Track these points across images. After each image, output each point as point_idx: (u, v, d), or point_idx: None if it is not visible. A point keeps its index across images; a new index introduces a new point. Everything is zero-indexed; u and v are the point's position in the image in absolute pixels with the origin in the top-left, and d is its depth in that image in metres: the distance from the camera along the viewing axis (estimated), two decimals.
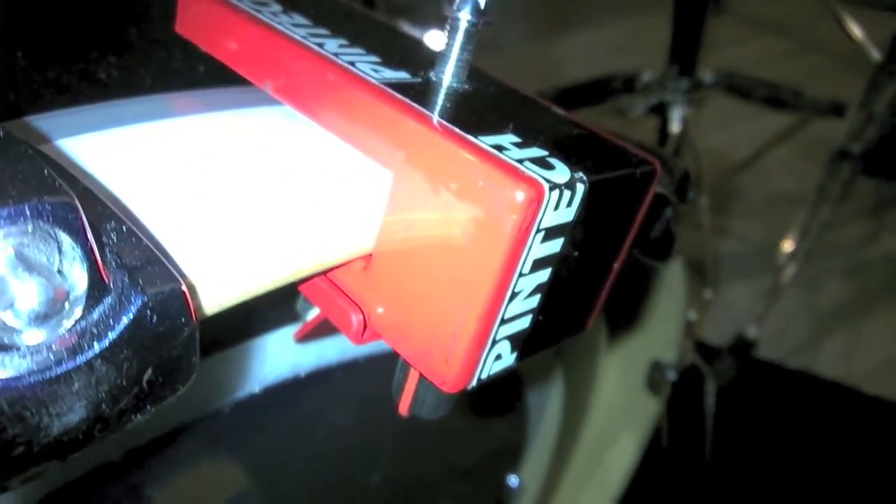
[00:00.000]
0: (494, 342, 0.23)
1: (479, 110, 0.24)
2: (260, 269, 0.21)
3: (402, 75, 0.25)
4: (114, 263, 0.17)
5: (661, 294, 0.66)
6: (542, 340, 0.26)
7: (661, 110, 1.17)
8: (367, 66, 0.25)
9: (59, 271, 0.16)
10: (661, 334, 0.68)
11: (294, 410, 0.43)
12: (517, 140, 0.23)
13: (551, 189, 0.21)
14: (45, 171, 0.16)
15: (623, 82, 1.22)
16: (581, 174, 0.22)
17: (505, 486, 0.65)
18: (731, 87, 1.31)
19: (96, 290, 0.17)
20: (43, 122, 0.23)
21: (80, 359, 0.16)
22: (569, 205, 0.22)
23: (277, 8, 0.28)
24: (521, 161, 0.21)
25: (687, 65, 1.16)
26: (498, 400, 0.58)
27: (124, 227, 0.18)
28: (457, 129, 0.22)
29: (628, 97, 1.20)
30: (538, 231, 0.21)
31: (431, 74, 0.26)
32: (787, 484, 1.09)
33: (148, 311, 0.17)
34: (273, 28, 0.26)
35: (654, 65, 1.20)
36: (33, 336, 0.16)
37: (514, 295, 0.22)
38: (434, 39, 0.31)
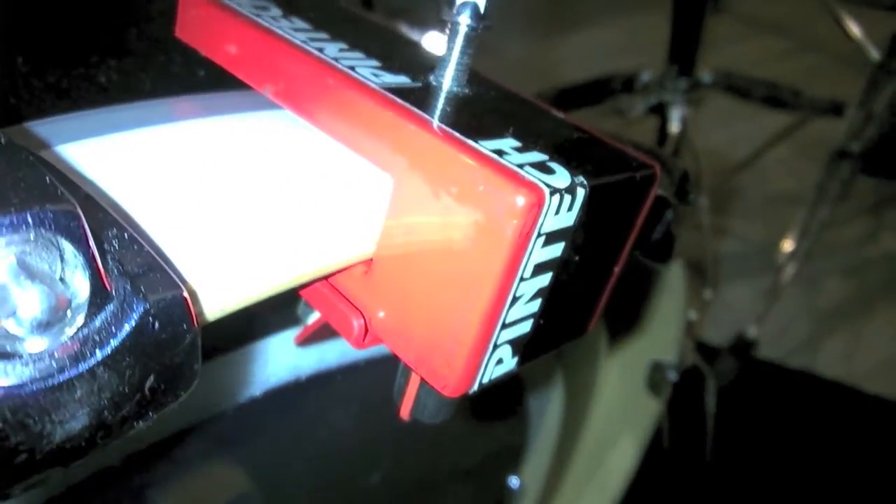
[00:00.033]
0: (496, 346, 0.23)
1: (479, 115, 0.24)
2: (261, 275, 0.21)
3: (402, 80, 0.25)
4: (116, 271, 0.17)
5: (661, 295, 0.66)
6: (543, 344, 0.26)
7: (660, 110, 1.17)
8: (367, 70, 0.25)
9: (62, 279, 0.16)
10: (661, 335, 0.69)
11: (295, 413, 0.43)
12: (517, 144, 0.23)
13: (552, 194, 0.21)
14: (47, 179, 0.16)
15: (622, 82, 1.22)
16: (581, 178, 0.22)
17: (506, 487, 0.65)
18: (731, 86, 1.32)
19: (98, 297, 0.17)
20: (43, 127, 0.23)
21: (83, 366, 0.16)
22: (569, 209, 0.22)
23: (277, 12, 0.28)
24: (521, 166, 0.21)
25: (686, 65, 1.16)
26: (498, 401, 0.58)
27: (126, 234, 0.18)
28: (457, 134, 0.22)
29: (627, 97, 1.20)
30: (539, 236, 0.21)
31: (431, 79, 0.26)
32: (787, 484, 1.09)
33: (150, 318, 0.17)
34: (273, 32, 0.26)
35: (654, 64, 1.20)
36: (36, 344, 0.16)
37: (515, 299, 0.22)
38: (433, 42, 0.31)
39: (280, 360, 0.39)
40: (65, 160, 0.22)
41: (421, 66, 0.27)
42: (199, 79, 0.30)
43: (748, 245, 1.56)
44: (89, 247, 0.16)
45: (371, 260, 0.25)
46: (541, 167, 0.22)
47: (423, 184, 0.22)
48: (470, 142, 0.22)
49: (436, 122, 0.23)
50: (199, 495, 0.42)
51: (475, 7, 0.24)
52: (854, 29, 1.25)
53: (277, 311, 0.36)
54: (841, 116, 1.30)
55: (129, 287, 0.17)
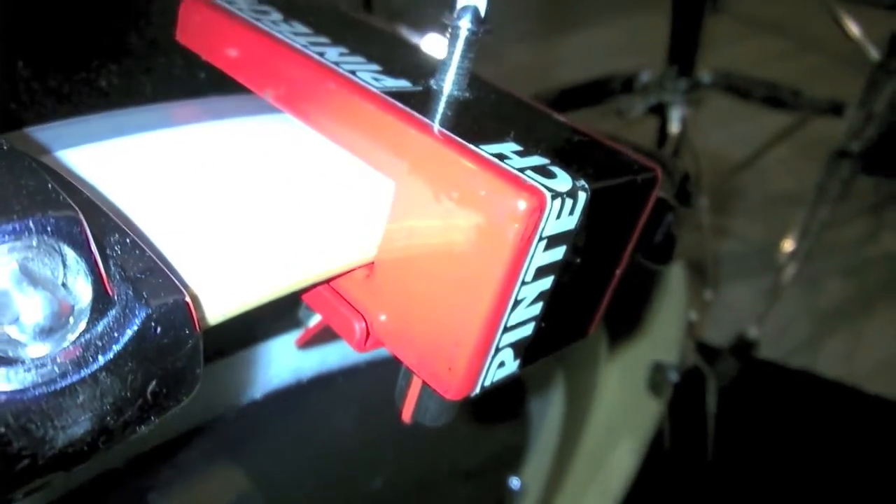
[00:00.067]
0: (498, 350, 0.23)
1: (480, 119, 0.24)
2: (263, 279, 0.22)
3: (402, 84, 0.25)
4: (118, 276, 0.17)
5: (662, 297, 0.66)
6: (544, 347, 0.26)
7: (660, 111, 1.17)
8: (368, 74, 0.25)
9: (64, 284, 0.16)
10: (662, 336, 0.69)
11: (296, 416, 0.43)
12: (518, 148, 0.23)
13: (553, 198, 0.21)
14: (49, 185, 0.16)
15: (622, 83, 1.22)
16: (583, 182, 0.22)
17: (507, 488, 0.65)
18: (730, 86, 1.32)
19: (101, 302, 0.17)
20: (44, 132, 0.23)
21: (85, 371, 0.16)
22: (571, 213, 0.22)
23: (278, 16, 0.28)
24: (522, 170, 0.21)
25: (686, 65, 1.16)
26: (499, 402, 0.58)
27: (128, 239, 0.18)
28: (458, 138, 0.22)
29: (627, 98, 1.20)
30: (540, 239, 0.21)
31: (432, 83, 0.26)
32: (788, 483, 1.09)
33: (152, 323, 0.17)
34: (274, 37, 0.26)
35: (654, 64, 1.20)
36: (38, 349, 0.16)
37: (516, 303, 0.22)
38: (433, 44, 0.31)
39: (281, 362, 0.39)
40: (66, 165, 0.22)
41: (422, 70, 0.27)
42: (199, 83, 0.30)
43: (748, 245, 1.56)
44: (91, 252, 0.16)
45: (373, 263, 0.25)
46: (542, 171, 0.22)
47: (424, 188, 0.22)
48: (471, 146, 0.22)
49: (437, 127, 0.23)
50: (200, 498, 0.42)
51: (476, 11, 0.24)
52: (853, 29, 1.25)
53: (279, 313, 0.36)
54: (841, 116, 1.30)
55: (131, 292, 0.17)
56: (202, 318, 0.20)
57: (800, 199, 1.34)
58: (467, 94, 0.26)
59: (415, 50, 0.30)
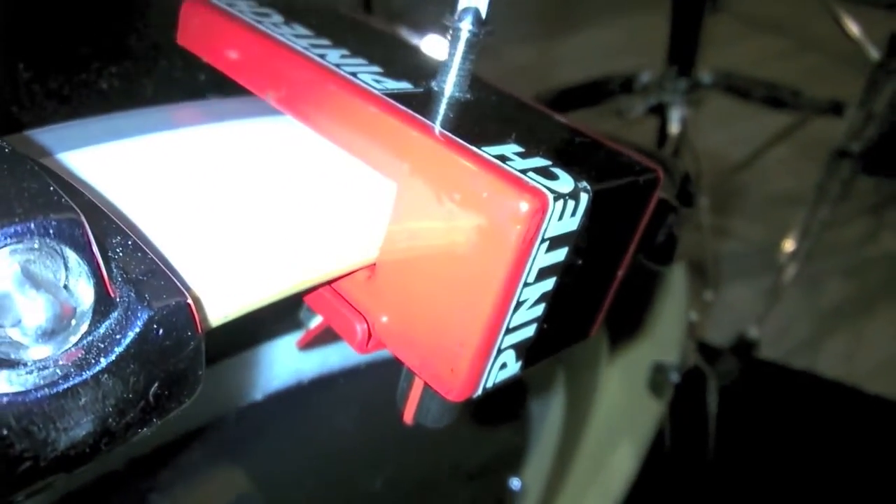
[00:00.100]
0: (500, 351, 0.23)
1: (481, 120, 0.24)
2: (265, 281, 0.21)
3: (404, 85, 0.25)
4: (120, 278, 0.17)
5: (663, 297, 0.66)
6: (546, 348, 0.26)
7: (660, 111, 1.17)
8: (369, 76, 0.25)
9: (66, 287, 0.16)
10: (663, 337, 0.69)
11: (297, 417, 0.43)
12: (520, 150, 0.23)
13: (555, 199, 0.21)
14: (50, 187, 0.16)
15: (621, 83, 1.22)
16: (585, 183, 0.22)
17: (507, 488, 0.65)
18: (730, 87, 1.32)
19: (103, 305, 0.17)
20: (46, 135, 0.23)
21: (87, 373, 0.16)
22: (573, 214, 0.22)
23: (279, 19, 0.28)
24: (524, 171, 0.21)
25: (685, 65, 1.17)
26: (500, 402, 0.58)
27: (129, 241, 0.18)
28: (460, 140, 0.22)
29: (627, 98, 1.20)
30: (543, 241, 0.21)
31: (433, 84, 0.26)
32: (789, 484, 1.09)
33: (154, 325, 0.17)
34: (275, 39, 0.26)
35: (654, 65, 1.20)
36: (40, 351, 0.16)
37: (519, 304, 0.22)
38: (433, 45, 0.31)
39: (282, 363, 0.39)
40: (68, 168, 0.22)
41: (423, 71, 0.27)
42: (200, 85, 0.30)
43: (749, 245, 1.56)
44: (93, 255, 0.16)
45: (374, 265, 0.25)
46: (544, 172, 0.22)
47: (426, 189, 0.22)
48: (473, 147, 0.22)
49: (438, 128, 0.23)
50: (202, 499, 0.42)
51: (477, 13, 0.24)
52: (853, 28, 1.25)
53: (280, 315, 0.36)
54: (841, 116, 1.30)
55: (133, 294, 0.17)
56: (204, 319, 0.20)
57: (800, 199, 1.34)
58: (468, 96, 0.26)
59: (416, 51, 0.30)
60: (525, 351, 0.25)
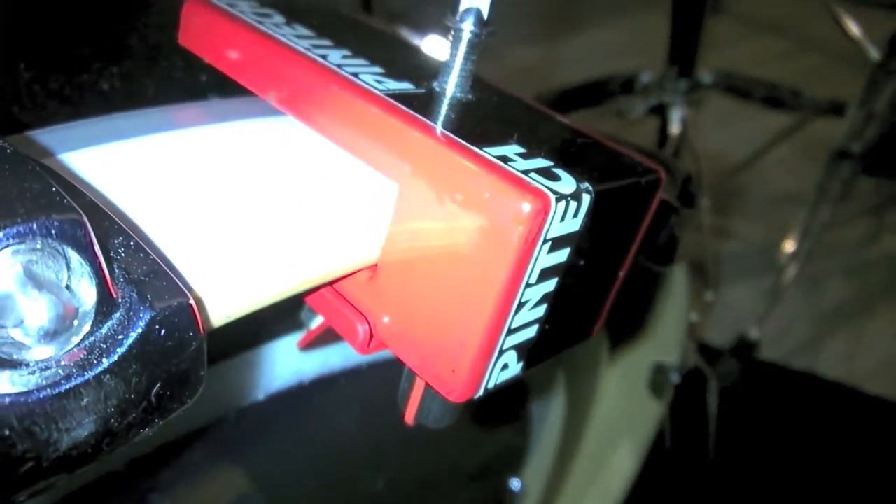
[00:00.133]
0: (501, 352, 0.23)
1: (483, 121, 0.24)
2: (266, 281, 0.22)
3: (405, 86, 0.25)
4: (122, 278, 0.17)
5: (664, 298, 0.66)
6: (548, 349, 0.26)
7: (660, 111, 1.17)
8: (371, 77, 0.25)
9: (68, 287, 0.16)
10: (664, 338, 0.69)
11: (298, 417, 0.43)
12: (522, 150, 0.23)
13: (557, 200, 0.21)
14: (53, 188, 0.16)
15: (622, 84, 1.22)
16: (587, 184, 0.22)
17: (507, 489, 0.65)
18: (731, 87, 1.32)
19: (105, 305, 0.17)
20: (47, 135, 0.23)
21: (89, 374, 0.16)
22: (575, 215, 0.22)
23: (280, 19, 0.28)
24: (526, 172, 0.21)
25: (686, 65, 1.16)
26: (500, 403, 0.58)
27: (131, 242, 0.18)
28: (462, 141, 0.22)
29: (627, 98, 1.20)
30: (545, 242, 0.21)
31: (435, 85, 0.26)
32: (789, 484, 1.09)
33: (156, 326, 0.17)
34: (276, 39, 0.26)
35: (654, 65, 1.20)
36: (42, 352, 0.16)
37: (520, 305, 0.22)
38: (434, 46, 0.31)
39: (284, 364, 0.39)
40: (69, 168, 0.22)
41: (424, 72, 0.27)
42: (202, 86, 0.30)
43: (749, 246, 1.56)
44: (95, 255, 0.16)
45: (376, 266, 0.25)
46: (546, 173, 0.22)
47: (427, 190, 0.22)
48: (475, 148, 0.22)
49: (440, 129, 0.23)
50: (203, 499, 0.42)
51: (479, 13, 0.24)
52: (853, 29, 1.25)
53: (281, 315, 0.36)
54: (841, 116, 1.30)
55: (135, 295, 0.17)
56: (206, 320, 0.20)
57: (800, 199, 1.34)
58: (470, 96, 0.26)
59: (417, 52, 0.30)
60: (527, 352, 0.25)
